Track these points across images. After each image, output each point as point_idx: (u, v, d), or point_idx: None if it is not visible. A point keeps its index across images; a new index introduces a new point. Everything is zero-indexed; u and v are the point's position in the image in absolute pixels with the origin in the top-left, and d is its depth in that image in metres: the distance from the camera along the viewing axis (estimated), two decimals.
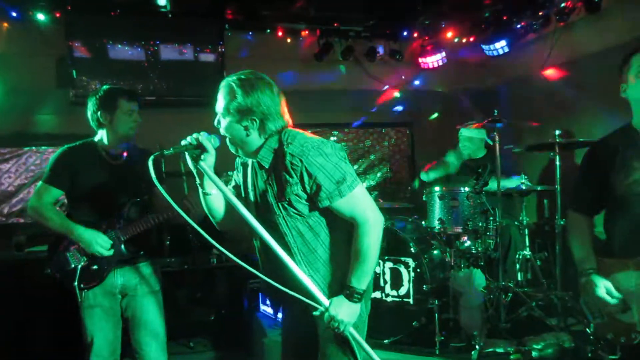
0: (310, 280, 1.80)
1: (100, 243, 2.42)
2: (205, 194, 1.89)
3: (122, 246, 2.49)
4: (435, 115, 5.87)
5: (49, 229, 2.48)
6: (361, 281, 1.80)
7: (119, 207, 2.52)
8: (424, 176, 4.57)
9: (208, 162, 1.79)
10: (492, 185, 3.84)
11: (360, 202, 1.80)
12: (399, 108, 6.01)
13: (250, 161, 1.94)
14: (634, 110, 2.12)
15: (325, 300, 1.80)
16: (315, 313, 1.82)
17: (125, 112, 2.49)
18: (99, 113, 2.49)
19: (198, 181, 1.86)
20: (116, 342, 2.59)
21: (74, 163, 2.50)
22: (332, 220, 1.86)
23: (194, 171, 1.83)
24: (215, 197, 1.90)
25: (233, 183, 2.06)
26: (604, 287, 2.08)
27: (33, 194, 2.56)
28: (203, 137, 1.78)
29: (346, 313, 1.79)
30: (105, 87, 2.55)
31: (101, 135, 2.55)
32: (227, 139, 1.87)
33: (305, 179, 1.75)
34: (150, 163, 1.67)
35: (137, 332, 2.58)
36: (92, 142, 2.56)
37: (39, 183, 2.54)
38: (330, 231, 1.87)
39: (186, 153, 1.78)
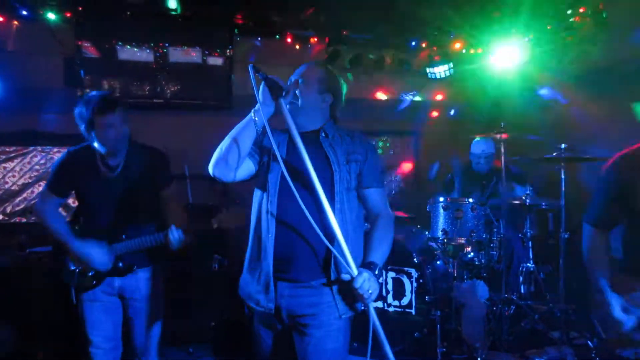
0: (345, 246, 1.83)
1: (98, 260, 2.42)
2: (254, 125, 1.89)
3: (120, 263, 2.48)
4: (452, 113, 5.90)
5: (49, 233, 2.50)
6: (382, 261, 1.95)
7: (120, 221, 2.48)
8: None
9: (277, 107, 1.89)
10: (498, 197, 3.84)
11: (387, 199, 2.08)
12: (405, 117, 6.02)
13: (294, 131, 1.89)
14: None
15: (354, 269, 1.83)
16: (345, 277, 1.83)
17: (102, 128, 2.33)
18: (81, 128, 2.40)
19: (258, 108, 1.87)
20: (116, 338, 2.58)
21: (73, 172, 2.47)
22: (358, 204, 2.05)
23: (266, 103, 1.86)
24: (250, 136, 1.91)
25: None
26: (619, 308, 2.04)
27: (39, 196, 2.60)
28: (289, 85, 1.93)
29: (374, 284, 1.84)
30: (84, 99, 2.41)
31: (99, 147, 2.44)
32: (288, 106, 1.92)
33: (369, 159, 2.02)
34: (250, 68, 1.79)
35: (134, 336, 2.58)
36: (93, 147, 2.44)
37: (44, 187, 2.56)
38: (358, 212, 2.04)
39: (272, 85, 1.85)
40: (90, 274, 2.47)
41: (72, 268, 2.49)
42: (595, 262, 2.18)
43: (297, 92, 1.98)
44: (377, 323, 1.81)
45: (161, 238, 2.45)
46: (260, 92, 1.85)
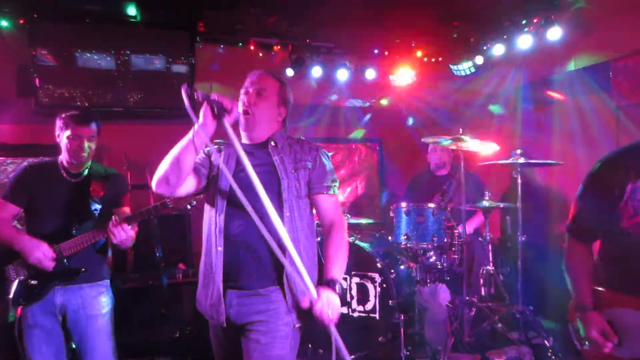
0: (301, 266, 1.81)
1: (42, 250, 2.35)
2: (194, 144, 1.86)
3: (66, 261, 2.43)
4: (411, 123, 6.06)
5: None
6: (342, 275, 1.97)
7: (69, 222, 2.47)
8: None
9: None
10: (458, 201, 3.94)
11: (339, 206, 2.09)
12: (369, 124, 6.11)
13: (237, 147, 1.89)
14: None
15: (312, 291, 1.81)
16: (304, 303, 1.81)
17: (71, 138, 2.47)
18: (56, 134, 2.54)
19: (196, 128, 1.84)
20: None
21: (33, 181, 2.51)
22: (310, 211, 2.07)
23: (207, 122, 1.83)
24: (191, 156, 1.88)
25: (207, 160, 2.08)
26: (598, 329, 1.95)
27: None
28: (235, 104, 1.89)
29: (334, 304, 1.83)
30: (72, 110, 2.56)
31: (63, 155, 2.56)
32: (245, 118, 1.96)
33: (318, 166, 2.04)
34: (183, 91, 1.77)
35: (84, 358, 2.50)
36: (55, 161, 2.58)
37: None
38: (310, 221, 2.06)
39: (214, 106, 1.81)
40: (32, 282, 2.39)
41: (13, 278, 2.40)
42: (578, 277, 2.08)
43: (249, 105, 1.98)
44: (339, 341, 1.78)
45: (104, 231, 2.42)
46: (202, 114, 1.83)
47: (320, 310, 1.79)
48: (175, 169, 1.87)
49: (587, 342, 2.02)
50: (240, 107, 1.97)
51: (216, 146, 2.09)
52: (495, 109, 5.33)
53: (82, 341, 2.49)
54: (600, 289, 2.05)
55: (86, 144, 2.50)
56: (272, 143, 2.04)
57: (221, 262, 1.92)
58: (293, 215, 1.96)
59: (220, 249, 1.92)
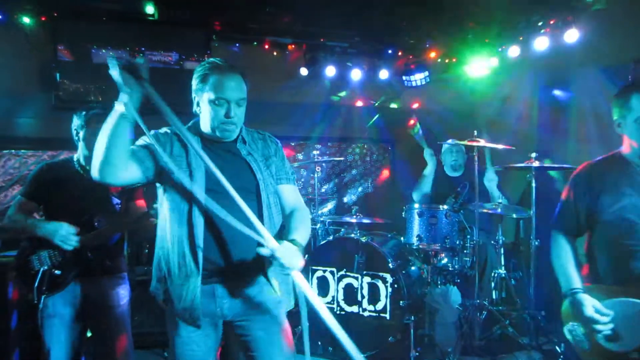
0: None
1: (66, 229, 2.39)
2: (124, 117, 1.75)
3: (88, 253, 2.48)
4: (417, 128, 6.02)
5: (19, 232, 2.50)
6: (304, 243, 1.91)
7: (88, 218, 2.51)
8: (414, 196, 4.66)
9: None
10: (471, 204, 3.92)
11: (299, 194, 2.13)
12: (382, 124, 6.10)
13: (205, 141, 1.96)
14: (627, 143, 2.15)
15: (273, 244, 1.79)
16: (261, 250, 1.76)
17: (90, 134, 2.46)
18: (75, 127, 2.55)
19: (125, 99, 1.75)
20: (76, 355, 2.55)
21: (51, 178, 2.55)
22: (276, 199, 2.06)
23: (131, 89, 1.75)
24: (128, 130, 1.77)
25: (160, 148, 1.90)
26: (592, 307, 2.03)
27: (12, 206, 2.59)
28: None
29: (293, 253, 1.79)
30: (92, 108, 2.57)
31: (80, 150, 2.59)
32: (231, 123, 1.92)
33: (278, 155, 2.07)
34: (109, 58, 1.69)
35: (101, 347, 2.56)
36: (71, 159, 2.62)
37: (17, 197, 2.60)
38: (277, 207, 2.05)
39: (138, 68, 1.74)
40: (56, 272, 2.45)
41: (37, 268, 2.45)
42: (564, 267, 2.19)
43: (237, 112, 1.92)
44: (306, 289, 1.82)
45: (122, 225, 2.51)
46: (119, 77, 1.72)
47: (282, 255, 1.75)
48: (112, 152, 1.74)
49: (581, 333, 2.07)
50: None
51: (164, 130, 2.01)
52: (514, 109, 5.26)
53: (100, 331, 2.54)
54: (591, 285, 2.12)
55: None
56: (241, 140, 2.00)
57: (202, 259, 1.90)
58: (271, 212, 1.96)
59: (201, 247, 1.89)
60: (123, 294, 2.62)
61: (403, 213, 4.03)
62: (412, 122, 4.84)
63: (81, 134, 2.54)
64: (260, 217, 1.89)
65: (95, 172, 1.77)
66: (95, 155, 1.77)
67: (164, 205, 1.94)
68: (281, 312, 1.98)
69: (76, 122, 2.54)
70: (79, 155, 2.60)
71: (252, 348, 1.93)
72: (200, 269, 1.85)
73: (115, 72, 1.73)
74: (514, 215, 4.02)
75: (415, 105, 6.03)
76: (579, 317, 2.07)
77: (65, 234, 2.39)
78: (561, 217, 2.28)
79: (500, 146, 3.84)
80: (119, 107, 1.75)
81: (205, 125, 1.97)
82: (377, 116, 6.04)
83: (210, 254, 1.87)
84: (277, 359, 1.92)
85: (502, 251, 4.08)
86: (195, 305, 1.85)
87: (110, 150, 1.74)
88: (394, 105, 6.13)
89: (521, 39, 4.86)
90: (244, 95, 1.95)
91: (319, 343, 3.70)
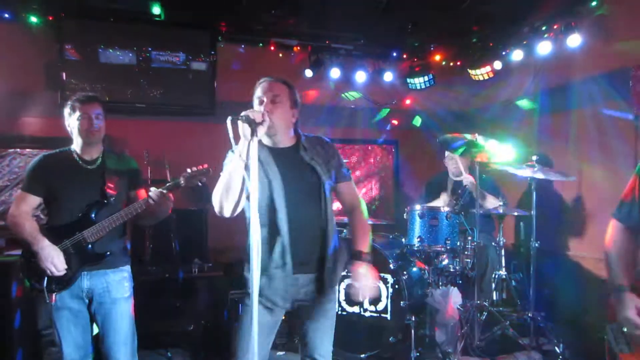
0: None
1: (55, 263, 2.45)
2: (246, 165, 1.97)
3: (90, 246, 2.53)
4: (419, 122, 6.05)
5: (20, 236, 2.53)
6: (368, 246, 2.26)
7: (89, 209, 2.56)
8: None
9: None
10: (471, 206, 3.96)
11: (356, 188, 2.38)
12: (385, 126, 6.13)
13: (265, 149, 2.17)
14: None
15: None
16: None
17: (81, 118, 2.55)
18: (66, 124, 2.62)
19: (240, 151, 1.97)
20: (86, 346, 2.60)
21: (49, 170, 2.58)
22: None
23: (246, 143, 1.95)
24: (240, 175, 2.00)
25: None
26: (635, 309, 1.87)
27: (13, 202, 2.62)
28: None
29: (367, 277, 2.17)
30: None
31: (76, 142, 2.64)
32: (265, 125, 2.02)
33: (336, 156, 2.28)
34: (228, 122, 1.85)
35: (106, 339, 2.60)
36: (69, 149, 2.65)
37: (18, 191, 2.64)
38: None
39: (251, 126, 1.93)
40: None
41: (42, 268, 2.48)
42: (616, 259, 2.01)
43: (268, 112, 2.05)
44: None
45: (141, 204, 2.52)
46: (241, 133, 1.94)
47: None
48: (230, 196, 2.03)
49: (623, 343, 1.93)
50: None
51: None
52: (525, 105, 5.27)
53: (106, 323, 2.58)
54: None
55: (95, 122, 2.58)
56: (303, 149, 2.20)
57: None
58: (329, 211, 2.19)
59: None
60: (127, 286, 2.67)
61: (405, 214, 4.07)
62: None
63: (70, 122, 2.58)
64: (320, 214, 2.15)
65: (217, 208, 2.08)
66: (215, 193, 2.07)
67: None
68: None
69: (65, 114, 2.60)
70: (74, 145, 2.63)
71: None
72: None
73: (235, 126, 1.92)
74: (515, 214, 4.05)
75: (418, 107, 6.07)
76: (620, 316, 1.93)
77: (51, 268, 2.45)
78: (622, 204, 2.06)
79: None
80: (236, 155, 1.99)
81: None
82: (387, 111, 6.07)
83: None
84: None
85: (502, 252, 4.11)
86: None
87: (230, 191, 2.03)
88: (399, 106, 6.16)
89: (525, 43, 4.89)
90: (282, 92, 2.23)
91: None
